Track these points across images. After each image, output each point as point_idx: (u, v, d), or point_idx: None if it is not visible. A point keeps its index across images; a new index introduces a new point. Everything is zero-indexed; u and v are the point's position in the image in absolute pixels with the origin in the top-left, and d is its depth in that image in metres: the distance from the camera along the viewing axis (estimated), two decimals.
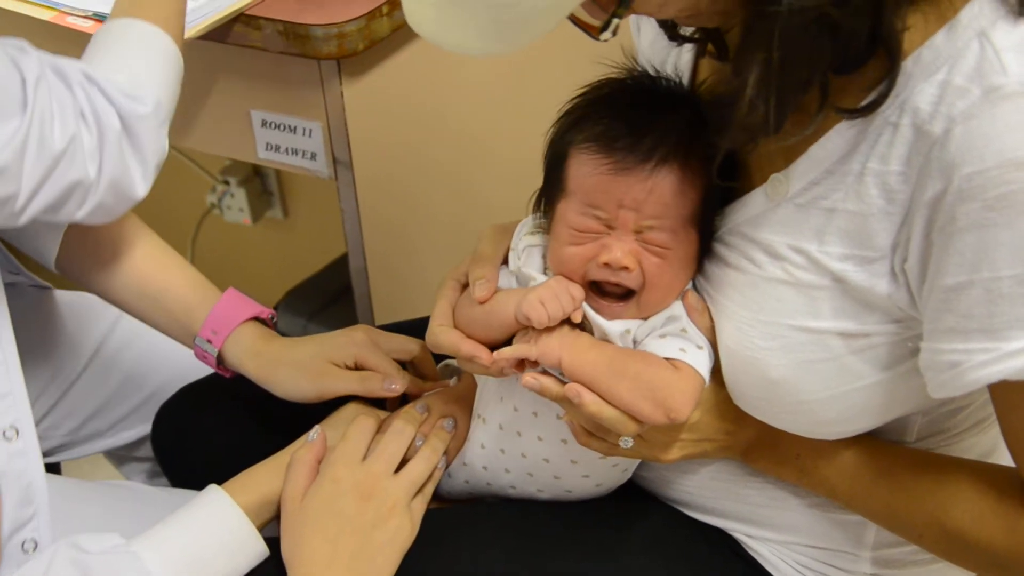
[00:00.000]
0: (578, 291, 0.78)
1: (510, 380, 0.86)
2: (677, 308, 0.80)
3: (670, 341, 0.78)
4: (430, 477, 0.88)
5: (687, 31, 0.79)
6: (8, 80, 0.81)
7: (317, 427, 0.91)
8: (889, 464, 0.77)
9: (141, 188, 0.94)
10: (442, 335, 0.84)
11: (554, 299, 0.77)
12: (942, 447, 0.80)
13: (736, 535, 0.88)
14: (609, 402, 0.75)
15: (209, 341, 1.00)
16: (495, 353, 0.81)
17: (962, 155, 0.61)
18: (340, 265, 1.82)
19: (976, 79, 0.61)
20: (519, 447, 0.89)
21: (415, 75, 1.31)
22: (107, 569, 0.78)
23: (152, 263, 1.03)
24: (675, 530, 0.89)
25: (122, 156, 0.90)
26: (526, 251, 0.85)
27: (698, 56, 0.83)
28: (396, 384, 0.96)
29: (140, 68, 0.93)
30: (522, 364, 0.80)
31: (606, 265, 0.77)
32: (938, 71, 0.63)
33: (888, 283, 0.68)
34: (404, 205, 1.39)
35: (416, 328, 1.05)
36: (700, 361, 0.78)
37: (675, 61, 0.85)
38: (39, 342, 1.18)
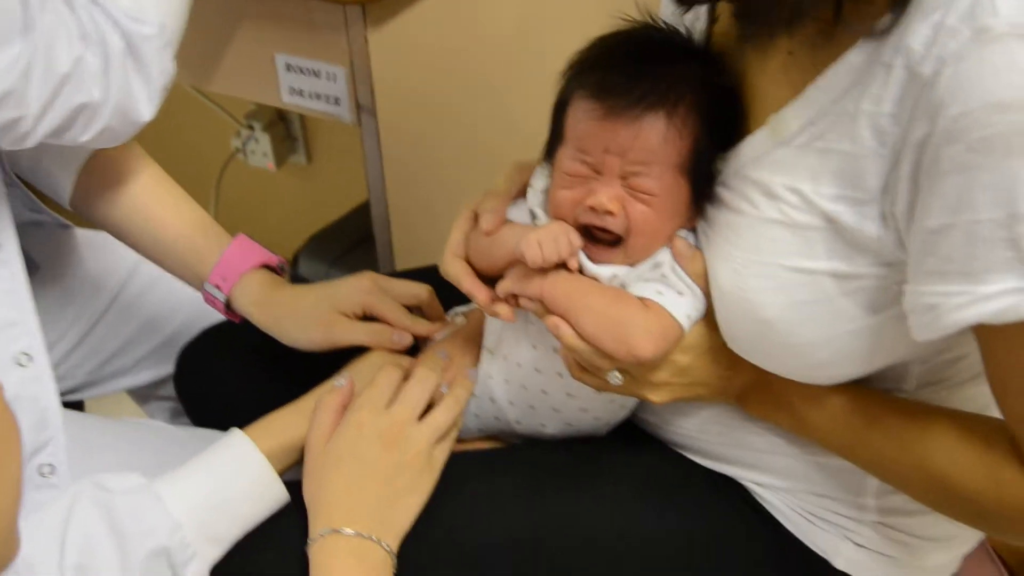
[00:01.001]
0: (576, 238, 0.79)
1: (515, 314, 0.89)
2: (663, 255, 0.80)
3: (649, 285, 0.79)
4: (453, 425, 0.89)
5: None
6: (10, 3, 0.80)
7: (345, 372, 0.91)
8: (879, 412, 0.77)
9: (147, 111, 0.93)
10: (450, 265, 0.88)
11: (552, 242, 0.78)
12: (942, 396, 0.80)
13: (744, 483, 0.89)
14: (579, 335, 0.78)
15: (218, 287, 1.01)
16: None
17: (949, 96, 0.61)
18: (362, 211, 1.83)
19: (968, 20, 0.60)
20: (520, 378, 0.91)
21: (440, 22, 1.30)
22: (129, 508, 0.79)
23: (165, 208, 1.04)
24: (685, 477, 0.90)
25: (127, 78, 0.89)
26: (544, 191, 0.86)
27: (710, 23, 0.83)
28: (405, 338, 0.97)
29: None
30: (515, 298, 0.83)
31: (591, 209, 0.79)
32: (934, 12, 0.62)
33: (878, 226, 0.68)
34: (426, 152, 1.39)
35: (436, 275, 1.06)
36: (676, 305, 0.78)
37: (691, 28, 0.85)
38: (63, 280, 1.19)
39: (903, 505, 0.84)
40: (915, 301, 0.66)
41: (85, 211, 1.06)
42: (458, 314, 1.03)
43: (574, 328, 0.78)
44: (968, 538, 0.90)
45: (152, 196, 1.04)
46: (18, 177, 1.08)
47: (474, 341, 0.95)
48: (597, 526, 0.87)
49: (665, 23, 0.82)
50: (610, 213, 0.78)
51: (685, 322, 0.79)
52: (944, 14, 0.61)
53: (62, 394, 1.22)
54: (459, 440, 0.93)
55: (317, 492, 0.83)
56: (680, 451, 0.92)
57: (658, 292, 0.78)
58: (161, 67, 0.92)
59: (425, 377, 0.89)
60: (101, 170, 1.01)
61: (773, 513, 0.88)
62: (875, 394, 0.79)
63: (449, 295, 1.03)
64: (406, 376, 0.90)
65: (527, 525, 0.87)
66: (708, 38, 0.83)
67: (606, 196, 0.78)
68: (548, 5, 1.41)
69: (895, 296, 0.69)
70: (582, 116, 0.79)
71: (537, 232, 0.79)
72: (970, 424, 0.73)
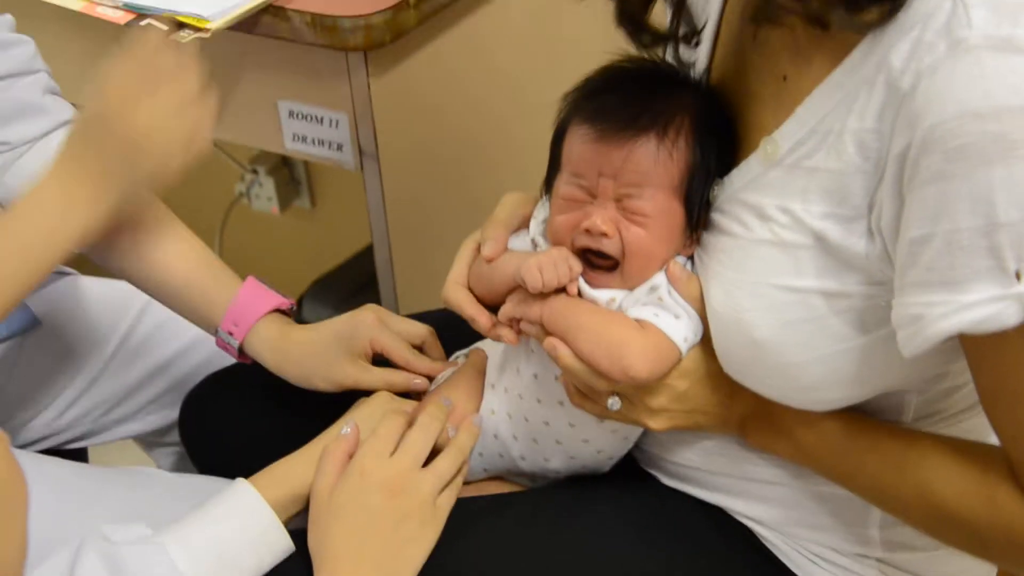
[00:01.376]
0: (576, 264, 0.81)
1: (514, 347, 0.91)
2: (659, 279, 0.81)
3: (646, 308, 0.80)
4: (459, 472, 0.89)
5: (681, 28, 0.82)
6: None
7: (351, 420, 0.91)
8: (877, 437, 0.77)
9: None
10: (452, 293, 0.89)
11: (552, 267, 0.80)
12: (939, 429, 0.80)
13: (747, 523, 0.89)
14: (576, 355, 0.79)
15: (231, 333, 1.01)
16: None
17: (925, 107, 0.61)
18: (366, 255, 1.83)
19: (944, 34, 0.61)
20: (523, 410, 0.91)
21: (442, 67, 1.31)
22: (135, 560, 0.78)
23: (171, 252, 1.03)
24: (689, 518, 0.90)
25: None
26: (544, 221, 0.88)
27: (710, 60, 0.85)
28: (421, 384, 0.98)
29: None
30: (517, 324, 0.85)
31: (587, 232, 0.80)
32: (913, 28, 0.63)
33: (865, 243, 0.68)
34: (430, 197, 1.40)
35: (440, 319, 1.07)
36: (672, 327, 0.79)
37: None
38: (67, 332, 1.19)
39: (909, 540, 0.83)
40: (901, 313, 0.66)
41: (92, 253, 1.05)
42: (459, 357, 1.03)
43: (571, 348, 0.79)
44: None
45: (157, 239, 1.03)
46: None
47: (476, 385, 0.95)
48: (602, 571, 0.86)
49: (662, 60, 0.85)
50: (605, 235, 0.79)
51: (682, 344, 0.79)
52: (922, 30, 0.63)
53: (67, 443, 1.22)
54: (465, 483, 0.92)
55: (321, 542, 0.83)
56: (682, 484, 0.91)
57: (655, 315, 0.79)
58: None
59: (428, 424, 0.89)
60: None
61: (776, 554, 0.88)
62: (872, 421, 0.79)
63: (450, 340, 1.04)
64: (410, 423, 0.90)
65: (533, 572, 0.86)
66: (708, 74, 0.85)
67: (600, 218, 0.79)
68: (553, 52, 1.42)
69: (885, 316, 0.69)
70: (577, 141, 0.81)
71: (537, 257, 0.81)
72: (967, 448, 0.73)
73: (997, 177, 0.59)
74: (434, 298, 0.96)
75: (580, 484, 0.95)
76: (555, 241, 0.84)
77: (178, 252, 1.03)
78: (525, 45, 1.44)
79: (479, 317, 0.87)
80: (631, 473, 0.95)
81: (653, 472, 0.94)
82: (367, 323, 1.00)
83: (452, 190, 1.43)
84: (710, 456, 0.88)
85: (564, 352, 0.79)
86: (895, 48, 0.64)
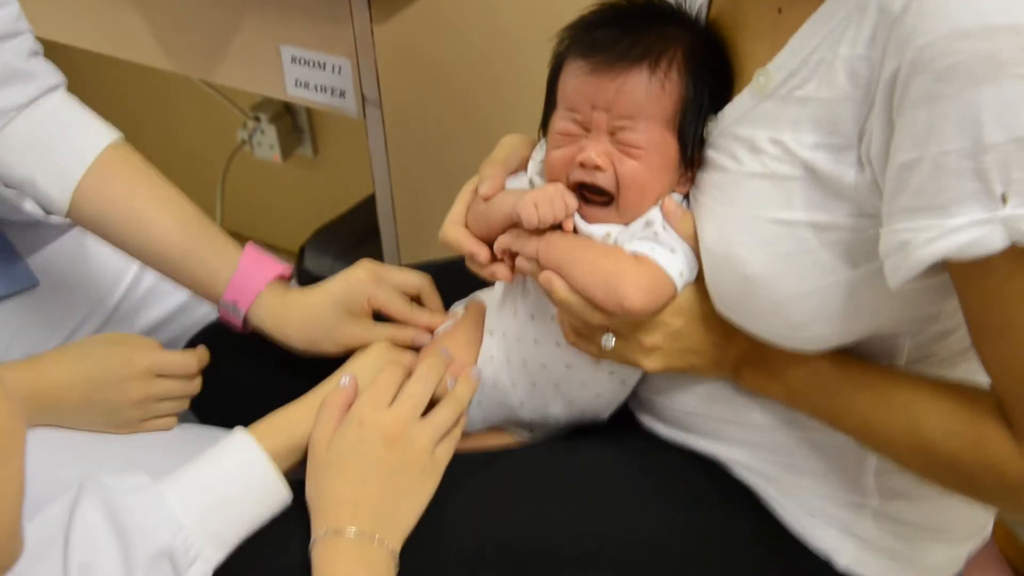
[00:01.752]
0: (572, 200, 0.81)
1: (511, 287, 0.92)
2: (654, 214, 0.81)
3: (642, 243, 0.81)
4: (456, 423, 0.89)
5: None
6: None
7: (348, 369, 0.91)
8: (867, 378, 0.77)
9: None
10: (450, 231, 0.90)
11: (548, 203, 0.80)
12: (933, 372, 0.80)
13: (746, 478, 0.89)
14: (572, 289, 0.79)
15: (234, 303, 1.00)
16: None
17: (916, 28, 0.61)
18: (368, 205, 1.82)
19: None
20: (520, 353, 0.92)
21: (446, 13, 1.29)
22: (132, 506, 0.78)
23: (168, 223, 1.00)
24: (690, 479, 0.89)
25: None
26: (542, 161, 0.88)
27: None
28: (423, 337, 0.98)
29: None
30: (511, 261, 0.86)
31: (582, 165, 0.80)
32: None
33: (855, 172, 0.68)
34: (432, 145, 1.38)
35: (441, 269, 1.06)
36: (668, 261, 0.79)
37: None
38: (66, 289, 1.18)
39: (904, 488, 0.84)
40: (888, 241, 0.65)
41: (84, 226, 1.03)
42: (458, 308, 1.02)
43: (567, 282, 0.79)
44: (970, 532, 0.90)
45: (154, 211, 1.00)
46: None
47: (475, 335, 0.95)
48: (600, 531, 0.87)
49: None
50: (599, 168, 0.80)
51: (677, 279, 0.80)
52: None
53: None
54: (464, 434, 0.92)
55: (319, 492, 0.83)
56: (680, 433, 0.92)
57: (651, 248, 0.80)
58: None
59: (427, 375, 0.89)
60: (99, 184, 0.99)
61: (775, 510, 0.88)
62: (863, 362, 0.79)
63: (451, 290, 1.03)
64: (408, 373, 0.90)
65: (530, 530, 0.86)
66: (708, 10, 0.85)
67: (594, 151, 0.80)
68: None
69: (874, 249, 0.68)
70: (571, 76, 0.82)
71: (533, 194, 0.81)
72: (957, 388, 0.73)
73: (986, 97, 0.58)
74: (436, 247, 0.96)
75: (577, 438, 0.95)
76: (551, 177, 0.84)
77: (174, 221, 1.01)
78: None
79: (477, 251, 0.87)
80: (629, 427, 0.95)
81: (650, 421, 0.94)
82: (362, 281, 0.99)
83: (456, 139, 1.42)
84: (706, 401, 0.88)
85: (559, 285, 0.79)
86: None
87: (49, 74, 1.02)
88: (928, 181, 0.62)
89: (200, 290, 1.02)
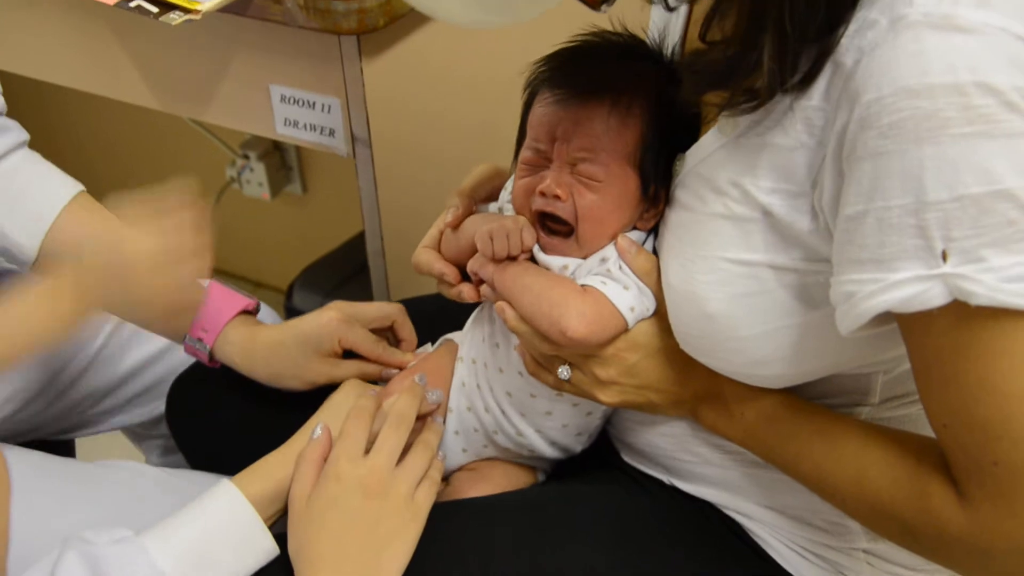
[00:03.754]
0: (530, 236, 0.83)
1: (480, 315, 0.95)
2: (609, 251, 0.83)
3: (596, 277, 0.82)
4: (431, 466, 0.88)
5: None
6: None
7: (320, 422, 0.90)
8: (825, 425, 0.77)
9: None
10: (421, 254, 0.93)
11: (502, 237, 0.82)
12: (907, 410, 0.80)
13: (736, 517, 0.88)
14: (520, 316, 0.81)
15: (200, 339, 1.00)
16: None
17: (864, 83, 0.61)
18: (358, 242, 1.82)
19: (887, 10, 0.61)
20: (488, 380, 0.93)
21: (436, 52, 1.30)
22: (115, 560, 0.77)
23: None
24: (682, 518, 0.89)
25: None
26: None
27: (688, 20, 0.86)
28: (391, 374, 1.00)
29: None
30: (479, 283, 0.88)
31: (542, 195, 0.82)
32: (860, 7, 0.64)
33: (809, 220, 0.69)
34: (421, 184, 1.38)
35: (430, 305, 1.06)
36: (617, 295, 0.80)
37: (671, 25, 0.87)
38: None
39: None
40: (837, 291, 0.66)
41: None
42: (427, 348, 1.04)
43: (516, 310, 0.81)
44: None
45: None
46: None
47: (447, 362, 0.97)
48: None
49: (627, 32, 0.86)
50: (557, 197, 0.81)
51: (627, 314, 0.80)
52: (868, 7, 0.63)
53: (55, 435, 1.21)
54: (448, 474, 0.92)
55: (301, 547, 0.82)
56: (668, 476, 0.91)
57: (602, 282, 0.81)
58: None
59: (398, 421, 0.88)
60: (69, 229, 1.00)
61: (766, 550, 0.87)
62: (820, 408, 0.79)
63: (440, 326, 1.04)
64: (378, 406, 0.90)
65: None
66: (682, 45, 0.86)
67: (554, 180, 0.81)
68: (548, 36, 1.40)
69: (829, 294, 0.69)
70: (537, 107, 0.85)
71: (490, 225, 0.83)
72: (906, 439, 0.73)
73: (927, 155, 0.59)
74: (425, 284, 0.96)
75: (569, 486, 0.94)
76: (516, 204, 0.86)
77: None
78: (519, 30, 1.43)
79: (446, 271, 0.90)
80: (616, 469, 0.95)
81: (639, 465, 0.94)
82: (333, 322, 1.00)
83: (445, 177, 1.42)
84: (682, 440, 0.88)
85: (510, 314, 0.82)
86: (842, 26, 0.64)
87: (17, 130, 1.05)
88: (872, 235, 0.62)
89: (164, 328, 1.03)
